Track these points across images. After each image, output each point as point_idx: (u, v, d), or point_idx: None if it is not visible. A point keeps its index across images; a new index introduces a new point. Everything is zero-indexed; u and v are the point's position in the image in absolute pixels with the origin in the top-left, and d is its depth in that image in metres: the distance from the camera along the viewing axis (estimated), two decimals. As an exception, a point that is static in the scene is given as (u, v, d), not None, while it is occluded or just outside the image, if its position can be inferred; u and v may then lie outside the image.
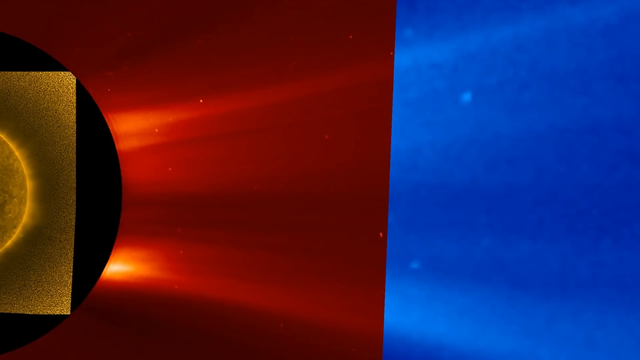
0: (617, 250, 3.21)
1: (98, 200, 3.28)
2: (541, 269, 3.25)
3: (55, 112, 3.27)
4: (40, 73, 3.26)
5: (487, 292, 3.28)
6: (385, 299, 3.31)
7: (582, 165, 3.19)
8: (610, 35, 3.13)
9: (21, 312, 3.28)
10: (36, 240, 3.28)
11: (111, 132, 3.26)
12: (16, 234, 3.27)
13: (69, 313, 3.28)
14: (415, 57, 3.24)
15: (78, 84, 3.26)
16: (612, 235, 3.21)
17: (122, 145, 3.28)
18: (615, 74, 3.15)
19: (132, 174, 3.29)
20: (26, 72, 3.26)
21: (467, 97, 3.21)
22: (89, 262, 3.29)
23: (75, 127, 3.26)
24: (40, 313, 3.28)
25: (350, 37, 3.26)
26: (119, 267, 3.31)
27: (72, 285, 3.29)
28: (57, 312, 3.28)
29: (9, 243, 3.27)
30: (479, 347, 3.30)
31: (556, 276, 3.25)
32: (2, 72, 3.25)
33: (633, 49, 3.11)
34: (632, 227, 3.19)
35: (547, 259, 3.25)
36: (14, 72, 3.25)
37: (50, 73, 3.26)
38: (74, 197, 3.26)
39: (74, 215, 3.27)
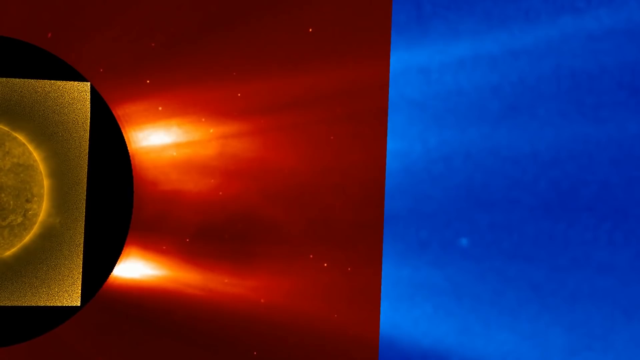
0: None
1: (110, 198, 3.37)
2: (537, 273, 3.32)
3: (70, 115, 3.35)
4: (58, 82, 3.36)
5: (482, 295, 3.33)
6: (382, 300, 3.36)
7: (583, 169, 3.27)
8: (610, 43, 3.26)
9: (35, 304, 3.35)
10: (51, 235, 3.35)
11: (123, 133, 3.37)
12: (34, 231, 3.37)
13: (79, 305, 3.35)
14: (410, 60, 3.30)
15: (92, 88, 3.35)
16: (614, 241, 3.30)
17: (134, 146, 3.39)
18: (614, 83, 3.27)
19: (144, 174, 3.39)
20: (43, 80, 3.36)
21: (463, 102, 3.30)
22: (102, 256, 3.37)
23: (88, 129, 3.35)
24: (53, 305, 3.36)
25: (348, 40, 3.34)
26: (130, 263, 3.39)
27: (84, 278, 3.35)
28: (68, 304, 3.36)
29: (27, 239, 3.36)
30: (472, 349, 3.35)
31: (549, 280, 3.32)
32: (21, 80, 3.33)
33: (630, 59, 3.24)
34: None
35: (544, 263, 3.32)
36: (31, 80, 3.34)
37: (67, 82, 3.36)
38: (85, 195, 3.35)
39: (85, 213, 3.34)
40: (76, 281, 3.36)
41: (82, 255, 3.36)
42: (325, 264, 3.39)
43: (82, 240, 3.35)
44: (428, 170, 3.33)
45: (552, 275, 3.33)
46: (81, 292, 3.37)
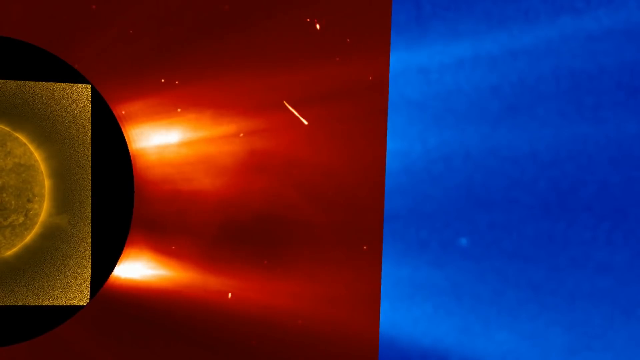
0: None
1: (111, 198, 3.39)
2: (537, 273, 3.31)
3: (72, 115, 3.37)
4: (59, 84, 3.38)
5: (482, 295, 3.33)
6: (382, 300, 3.36)
7: (583, 170, 3.26)
8: (609, 43, 3.25)
9: (41, 304, 3.36)
10: (54, 235, 3.38)
11: (124, 133, 3.39)
12: (35, 230, 3.39)
13: (85, 304, 3.37)
14: (410, 60, 3.31)
15: (93, 88, 3.37)
16: (609, 243, 3.29)
17: (135, 145, 3.41)
18: (614, 83, 3.26)
19: (145, 174, 3.41)
20: (45, 83, 3.38)
21: (461, 100, 3.31)
22: (103, 256, 3.39)
23: (90, 130, 3.37)
24: (58, 304, 3.38)
25: (348, 40, 3.34)
26: (131, 263, 3.41)
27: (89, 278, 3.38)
28: (74, 303, 3.38)
29: (28, 239, 3.37)
30: (472, 349, 3.35)
31: (549, 280, 3.31)
32: (22, 82, 3.37)
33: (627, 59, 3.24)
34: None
35: (544, 263, 3.31)
36: (33, 82, 3.37)
37: (68, 84, 3.38)
38: (89, 194, 3.37)
39: (90, 212, 3.37)
40: (84, 281, 3.38)
41: (90, 255, 3.38)
42: (325, 264, 3.40)
43: (88, 240, 3.37)
44: (428, 170, 3.33)
45: (552, 275, 3.33)
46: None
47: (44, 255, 3.38)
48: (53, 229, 3.37)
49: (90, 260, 3.38)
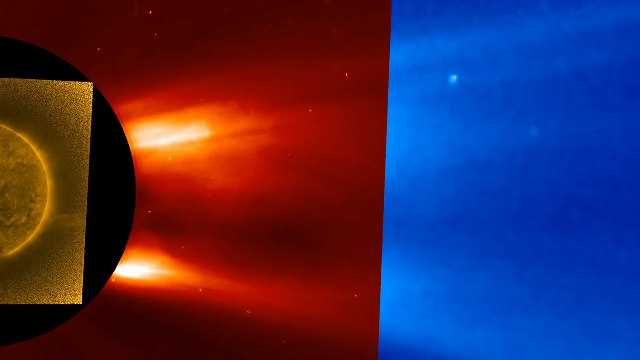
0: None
1: (112, 197, 3.40)
2: (537, 273, 3.30)
3: (73, 115, 3.39)
4: (60, 81, 3.39)
5: (482, 295, 3.32)
6: (382, 301, 3.36)
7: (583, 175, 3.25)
8: (611, 41, 3.24)
9: (37, 302, 3.38)
10: (53, 235, 3.40)
11: (125, 133, 3.40)
12: (37, 230, 3.40)
13: (80, 303, 3.38)
14: (410, 60, 3.31)
15: (94, 88, 3.39)
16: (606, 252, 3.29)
17: (136, 145, 3.42)
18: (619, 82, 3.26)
19: (145, 173, 3.42)
20: (46, 80, 3.40)
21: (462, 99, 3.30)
22: (104, 255, 3.40)
23: (90, 129, 3.38)
24: (55, 303, 3.40)
25: (347, 40, 3.35)
26: (131, 262, 3.42)
27: (86, 278, 3.38)
28: (70, 303, 3.39)
29: (29, 238, 3.39)
30: (472, 349, 3.34)
31: (550, 281, 3.31)
32: (24, 80, 3.39)
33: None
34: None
35: (545, 264, 3.30)
36: (34, 80, 3.40)
37: (69, 82, 3.40)
38: (86, 194, 3.38)
39: (88, 212, 3.38)
40: (78, 280, 3.39)
41: (84, 254, 3.38)
42: (325, 265, 3.40)
43: (84, 239, 3.38)
44: (428, 170, 3.33)
45: (553, 275, 3.32)
46: (83, 291, 3.40)
47: (45, 254, 3.39)
48: (58, 229, 3.38)
49: (83, 260, 3.39)
